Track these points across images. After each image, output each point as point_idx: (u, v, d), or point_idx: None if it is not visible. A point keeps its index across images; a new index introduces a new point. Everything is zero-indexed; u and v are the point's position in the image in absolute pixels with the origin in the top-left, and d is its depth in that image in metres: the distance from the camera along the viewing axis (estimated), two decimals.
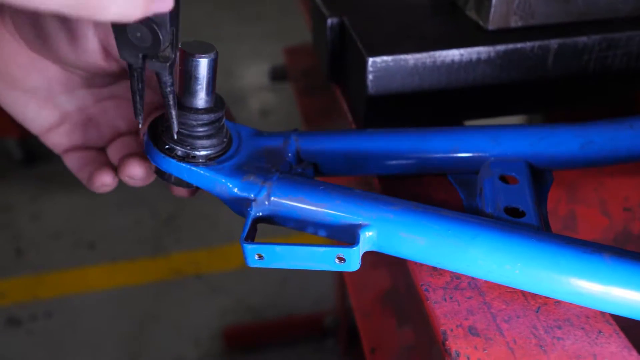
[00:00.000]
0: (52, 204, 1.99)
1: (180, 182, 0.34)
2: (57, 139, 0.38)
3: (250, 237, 0.31)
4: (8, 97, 0.35)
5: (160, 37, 0.26)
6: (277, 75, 0.92)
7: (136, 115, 0.31)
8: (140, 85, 0.30)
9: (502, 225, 0.28)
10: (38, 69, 0.34)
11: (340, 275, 1.37)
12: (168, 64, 0.28)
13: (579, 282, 0.26)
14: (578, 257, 0.26)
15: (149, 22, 0.26)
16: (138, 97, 0.31)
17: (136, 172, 0.34)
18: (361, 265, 0.57)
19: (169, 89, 0.30)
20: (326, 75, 0.49)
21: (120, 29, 0.27)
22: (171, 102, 0.30)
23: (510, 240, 0.27)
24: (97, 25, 0.31)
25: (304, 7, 0.65)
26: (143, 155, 0.35)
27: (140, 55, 0.28)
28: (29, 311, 1.63)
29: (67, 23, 0.31)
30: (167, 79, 0.29)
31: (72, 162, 0.38)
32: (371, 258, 0.64)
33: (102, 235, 1.85)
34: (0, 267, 1.76)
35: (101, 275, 1.73)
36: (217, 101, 0.33)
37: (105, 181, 0.35)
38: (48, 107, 0.36)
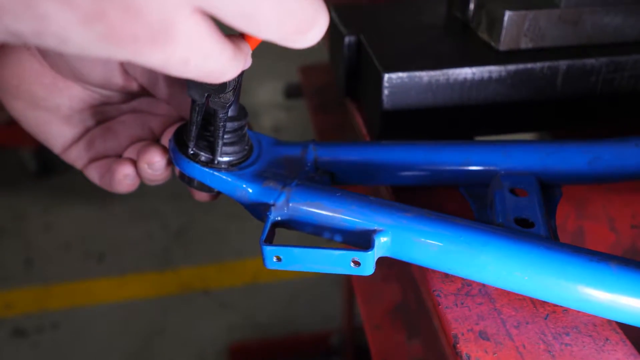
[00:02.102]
0: (64, 215, 2.01)
1: (203, 187, 0.36)
2: (77, 154, 0.39)
3: (269, 240, 0.32)
4: (31, 117, 0.37)
5: (227, 84, 0.30)
6: (292, 92, 0.94)
7: (188, 140, 0.34)
8: (199, 118, 0.33)
9: (513, 234, 0.30)
10: (60, 88, 0.36)
11: (348, 293, 1.38)
12: (227, 105, 0.31)
13: (586, 290, 0.27)
14: (585, 265, 0.27)
15: None
16: (194, 127, 0.33)
17: (155, 158, 0.36)
18: (372, 279, 0.59)
19: (222, 123, 0.33)
20: (342, 91, 0.51)
21: None
22: (220, 134, 0.33)
23: (520, 247, 0.29)
24: None
25: None
26: (162, 146, 0.36)
27: (205, 94, 0.31)
28: (35, 322, 1.64)
29: None
30: (223, 115, 0.32)
31: (93, 173, 0.39)
32: (382, 272, 0.65)
33: (112, 247, 1.87)
34: (9, 277, 1.78)
35: (109, 288, 1.75)
36: (240, 110, 0.35)
37: (126, 171, 0.36)
38: (70, 124, 0.38)
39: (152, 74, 0.35)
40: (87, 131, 0.39)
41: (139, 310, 1.65)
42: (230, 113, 0.34)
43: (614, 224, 0.43)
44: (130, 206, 2.05)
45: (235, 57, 0.24)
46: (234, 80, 0.30)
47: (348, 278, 1.35)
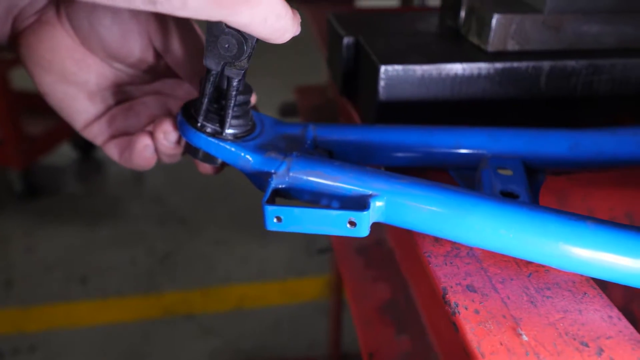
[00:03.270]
0: (48, 238, 2.00)
1: (207, 158, 0.38)
2: (98, 130, 0.41)
3: (271, 202, 0.34)
4: (59, 91, 0.39)
5: (245, 49, 0.32)
6: (287, 110, 0.97)
7: (198, 114, 0.36)
8: (211, 89, 0.35)
9: (498, 198, 0.32)
10: (89, 64, 0.38)
11: (335, 320, 1.37)
12: (243, 72, 0.33)
13: (565, 247, 0.29)
14: (564, 222, 0.30)
15: (240, 35, 0.31)
16: (205, 99, 0.35)
17: (169, 128, 0.38)
18: (363, 279, 0.61)
19: (234, 92, 0.35)
20: (340, 90, 0.54)
21: (213, 40, 0.32)
22: (232, 104, 0.35)
23: (506, 208, 0.31)
24: (149, 23, 0.36)
25: (316, 29, 0.71)
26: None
27: (222, 63, 0.33)
28: (12, 345, 1.60)
29: (119, 21, 0.36)
30: (237, 84, 0.34)
31: (112, 150, 0.41)
32: (372, 273, 0.66)
33: (95, 271, 1.85)
34: None
35: (90, 311, 1.72)
36: (246, 86, 0.37)
37: (146, 142, 0.38)
38: (94, 100, 0.40)
39: (179, 52, 0.37)
40: (109, 109, 0.41)
41: (120, 334, 1.62)
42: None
43: (593, 215, 0.45)
44: (116, 230, 2.04)
45: (295, 19, 0.30)
46: (250, 47, 0.32)
47: (335, 303, 1.35)
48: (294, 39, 0.31)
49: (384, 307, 0.58)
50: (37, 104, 2.38)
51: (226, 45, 0.32)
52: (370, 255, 0.67)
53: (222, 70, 0.34)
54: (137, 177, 2.38)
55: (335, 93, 0.54)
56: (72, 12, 0.36)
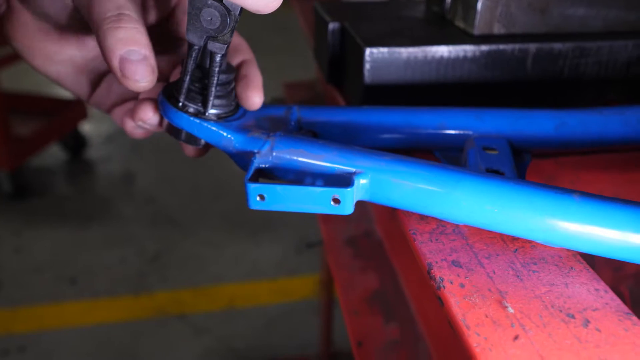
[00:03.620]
0: (37, 238, 1.98)
1: (190, 139, 0.37)
2: (99, 99, 0.41)
3: (254, 180, 0.33)
4: (52, 71, 0.39)
5: (228, 21, 0.31)
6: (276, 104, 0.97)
7: (179, 94, 0.35)
8: (194, 66, 0.34)
9: (484, 174, 0.31)
10: (69, 40, 0.38)
11: (326, 319, 1.37)
12: (226, 46, 0.33)
13: (552, 221, 0.29)
14: (550, 196, 0.29)
15: (224, 8, 0.30)
16: (187, 77, 0.35)
17: (148, 115, 0.37)
18: (351, 269, 0.60)
19: (217, 68, 0.34)
20: (326, 77, 0.53)
21: (196, 13, 0.31)
22: (215, 81, 0.35)
23: (490, 183, 0.30)
24: None
25: (303, 22, 0.71)
26: (154, 102, 0.38)
27: (205, 37, 0.32)
28: (1, 345, 1.58)
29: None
30: (220, 59, 0.34)
31: (117, 116, 0.41)
32: (360, 264, 0.66)
33: (84, 271, 1.83)
34: None
35: (80, 312, 1.70)
36: (229, 65, 0.37)
37: (131, 123, 0.38)
38: (85, 72, 0.40)
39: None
40: (103, 77, 0.40)
41: (110, 335, 1.61)
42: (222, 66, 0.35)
43: None
44: (106, 231, 2.02)
45: None
46: (233, 20, 0.31)
47: (326, 301, 1.34)
48: (283, 37, 0.31)
49: (372, 297, 0.58)
50: (26, 105, 2.37)
51: (209, 18, 0.31)
52: (358, 246, 0.67)
53: (205, 45, 0.33)
54: (128, 177, 2.37)
55: (322, 82, 0.54)
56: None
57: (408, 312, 0.55)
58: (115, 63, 0.32)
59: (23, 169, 2.18)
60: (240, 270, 1.84)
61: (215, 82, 0.35)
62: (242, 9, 0.31)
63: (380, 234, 0.63)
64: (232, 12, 0.31)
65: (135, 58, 0.32)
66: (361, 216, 0.71)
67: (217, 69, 0.34)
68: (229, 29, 0.32)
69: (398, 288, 0.59)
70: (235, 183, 2.30)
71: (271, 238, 1.99)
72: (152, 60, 0.33)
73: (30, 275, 1.82)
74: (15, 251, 1.93)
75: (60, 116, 2.29)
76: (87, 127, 2.72)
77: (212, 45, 0.33)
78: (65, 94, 2.82)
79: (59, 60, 0.38)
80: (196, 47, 0.33)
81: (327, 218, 0.71)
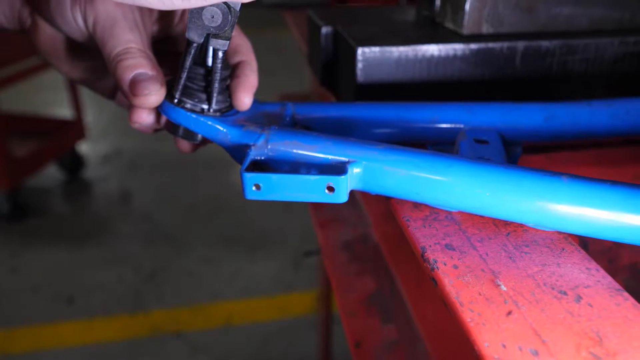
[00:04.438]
0: (34, 259, 1.96)
1: (187, 135, 0.38)
2: (123, 100, 0.43)
3: (250, 170, 0.34)
4: (75, 75, 0.41)
5: (230, 18, 0.32)
6: None
7: (175, 90, 0.36)
8: (191, 63, 0.35)
9: (474, 160, 0.32)
10: (88, 50, 0.40)
11: (324, 335, 1.36)
12: (228, 42, 0.34)
13: (541, 203, 0.29)
14: (539, 178, 0.30)
15: (225, 5, 0.31)
16: (184, 73, 0.35)
17: (141, 117, 0.38)
18: (348, 273, 0.60)
19: (220, 64, 0.35)
20: (320, 80, 0.54)
21: (198, 11, 0.32)
22: (218, 77, 0.35)
23: (481, 167, 0.31)
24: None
25: (297, 32, 0.72)
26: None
27: (205, 34, 0.33)
28: None
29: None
30: (222, 55, 0.34)
31: (122, 100, 0.43)
32: (357, 267, 0.66)
33: (81, 290, 1.82)
34: None
35: (76, 331, 1.68)
36: (225, 62, 0.37)
37: (135, 125, 0.39)
38: (107, 75, 0.41)
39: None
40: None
41: (107, 354, 1.59)
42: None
43: None
44: (103, 249, 2.01)
45: None
46: (234, 16, 0.32)
47: (324, 317, 1.33)
48: (279, 57, 0.31)
49: (369, 299, 0.58)
50: (24, 126, 2.38)
51: (211, 16, 0.32)
52: (355, 250, 0.67)
53: (204, 42, 0.34)
54: (125, 196, 2.37)
55: (316, 90, 0.55)
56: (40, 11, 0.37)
57: (405, 314, 0.55)
58: (125, 87, 0.35)
59: (20, 190, 2.18)
60: (237, 286, 1.83)
61: (218, 77, 0.35)
62: (242, 4, 0.32)
63: (377, 237, 0.64)
64: (233, 8, 0.32)
65: (144, 78, 0.34)
66: (357, 221, 0.72)
67: (220, 65, 0.35)
68: (230, 25, 0.33)
69: (395, 290, 0.59)
70: (231, 200, 2.30)
71: (268, 254, 1.98)
72: (160, 77, 0.35)
73: (27, 295, 1.81)
74: (11, 271, 1.91)
75: (57, 137, 2.30)
76: (84, 147, 2.73)
77: (215, 42, 0.34)
78: (63, 114, 2.84)
79: (82, 67, 0.41)
80: (195, 45, 0.34)
81: (324, 223, 0.71)
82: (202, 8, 0.32)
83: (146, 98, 0.35)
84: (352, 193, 0.64)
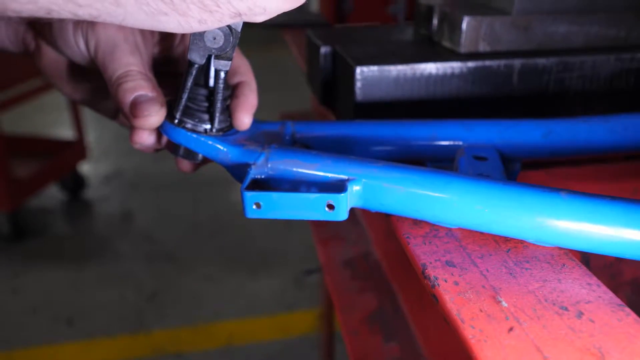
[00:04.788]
0: (35, 279, 1.96)
1: (188, 154, 0.38)
2: (105, 105, 0.43)
3: (250, 189, 0.34)
4: (77, 97, 0.42)
5: (231, 39, 0.33)
6: None
7: (176, 111, 0.36)
8: (192, 84, 0.35)
9: (473, 177, 0.32)
10: (90, 73, 0.41)
11: (326, 354, 1.34)
12: (230, 62, 0.34)
13: (540, 218, 0.30)
14: (538, 194, 0.30)
15: (227, 27, 0.32)
16: (185, 94, 0.36)
17: (141, 138, 0.39)
18: (349, 290, 0.60)
19: (222, 85, 0.35)
20: (320, 100, 0.55)
21: (200, 33, 0.33)
22: (220, 97, 0.36)
23: (480, 183, 0.31)
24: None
25: (296, 51, 0.73)
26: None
27: (207, 55, 0.34)
28: None
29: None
30: (224, 76, 0.35)
31: (124, 121, 0.43)
32: (359, 284, 0.66)
33: (81, 311, 1.81)
34: None
35: (77, 352, 1.67)
36: (225, 82, 0.38)
37: (136, 146, 0.39)
38: (109, 97, 0.42)
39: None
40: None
41: None
42: (212, 83, 0.37)
43: None
44: (103, 269, 2.01)
45: None
46: (236, 37, 0.33)
47: (326, 336, 1.32)
48: (280, 69, 0.32)
49: (371, 317, 0.58)
50: (25, 147, 2.39)
51: (213, 38, 0.33)
52: (357, 268, 0.67)
53: (205, 63, 0.34)
54: (126, 216, 2.37)
55: (316, 108, 0.55)
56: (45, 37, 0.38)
57: (408, 331, 0.55)
58: (126, 109, 0.35)
59: (21, 210, 2.18)
60: (239, 306, 1.82)
61: (220, 98, 0.36)
62: (243, 25, 0.33)
63: (378, 255, 0.64)
64: (234, 30, 0.33)
65: (144, 99, 0.35)
66: (358, 238, 0.72)
67: (222, 86, 0.35)
68: (232, 46, 0.33)
69: (397, 308, 0.59)
70: (232, 218, 2.30)
71: (269, 272, 1.97)
72: (160, 98, 0.36)
73: (27, 317, 1.80)
74: (12, 292, 1.91)
75: (59, 157, 2.31)
76: (86, 168, 2.74)
77: (217, 63, 0.34)
78: (65, 135, 2.85)
79: (84, 88, 0.41)
80: (196, 66, 0.35)
81: (325, 241, 0.71)
82: (203, 30, 0.33)
83: (146, 119, 0.35)
84: (352, 211, 0.64)
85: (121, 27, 0.36)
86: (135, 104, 0.35)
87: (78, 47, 0.36)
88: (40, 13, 0.25)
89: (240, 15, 0.28)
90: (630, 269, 0.45)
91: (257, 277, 1.96)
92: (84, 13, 0.26)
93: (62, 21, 0.36)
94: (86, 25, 0.35)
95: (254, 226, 2.21)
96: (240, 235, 2.17)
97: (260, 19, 0.28)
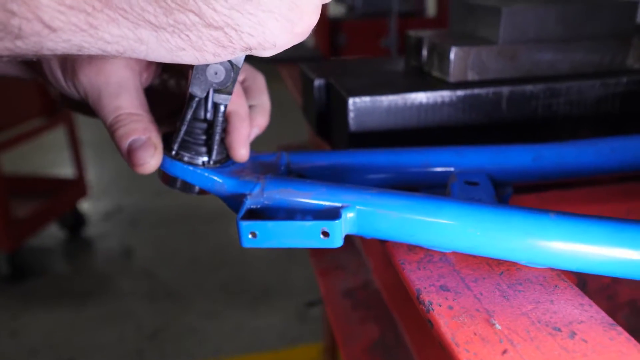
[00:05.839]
0: (34, 321, 1.94)
1: (185, 187, 0.39)
2: None
3: (246, 218, 0.34)
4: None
5: (232, 74, 0.34)
6: None
7: (174, 142, 0.37)
8: (191, 116, 0.36)
9: (465, 201, 0.33)
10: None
11: None
12: (230, 96, 0.35)
13: (530, 239, 0.30)
14: (527, 216, 0.30)
15: (229, 62, 0.33)
16: (184, 126, 0.37)
17: (144, 159, 0.39)
18: (351, 321, 0.61)
19: (221, 118, 0.36)
20: (315, 131, 0.56)
21: (202, 68, 0.34)
22: (219, 130, 0.37)
23: (472, 207, 0.32)
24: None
25: (289, 80, 0.74)
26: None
27: (208, 89, 0.35)
28: None
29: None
30: (224, 109, 0.36)
31: None
32: (360, 314, 0.65)
33: (81, 352, 1.78)
34: None
35: None
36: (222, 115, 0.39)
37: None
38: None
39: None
40: None
41: None
42: (209, 117, 0.38)
43: None
44: (104, 308, 1.99)
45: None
46: (236, 73, 0.34)
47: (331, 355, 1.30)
48: (277, 101, 0.33)
49: (373, 347, 0.57)
50: (25, 186, 2.40)
51: (214, 73, 0.34)
52: (357, 297, 0.67)
53: (206, 96, 0.35)
54: (126, 253, 2.36)
55: (312, 139, 0.56)
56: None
57: (410, 358, 0.55)
58: (125, 156, 0.36)
59: (21, 250, 2.18)
60: (241, 341, 1.80)
61: (219, 130, 0.37)
62: (245, 60, 0.34)
63: (378, 284, 0.64)
64: (235, 65, 0.34)
65: (139, 144, 0.36)
66: (358, 268, 0.72)
67: (221, 119, 0.36)
68: (232, 81, 0.34)
69: (399, 337, 0.59)
70: (233, 253, 2.29)
71: (271, 306, 1.95)
72: (154, 137, 0.36)
73: (26, 359, 1.77)
74: (11, 335, 1.88)
75: (59, 196, 2.32)
76: (85, 205, 2.74)
77: (217, 97, 0.35)
78: (65, 173, 2.87)
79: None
80: (197, 99, 0.36)
81: (325, 271, 0.71)
82: (206, 65, 0.34)
83: (144, 167, 0.36)
84: (351, 240, 0.64)
85: (102, 67, 0.36)
86: (131, 152, 0.36)
87: (71, 91, 0.37)
88: (73, 50, 0.27)
89: (251, 49, 0.29)
90: (626, 290, 0.45)
91: (259, 311, 1.94)
92: (112, 49, 0.28)
93: (53, 70, 0.37)
94: (71, 74, 0.36)
95: (254, 259, 2.20)
96: (241, 269, 2.16)
97: (269, 53, 0.30)
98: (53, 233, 2.47)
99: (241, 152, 0.39)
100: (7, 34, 0.25)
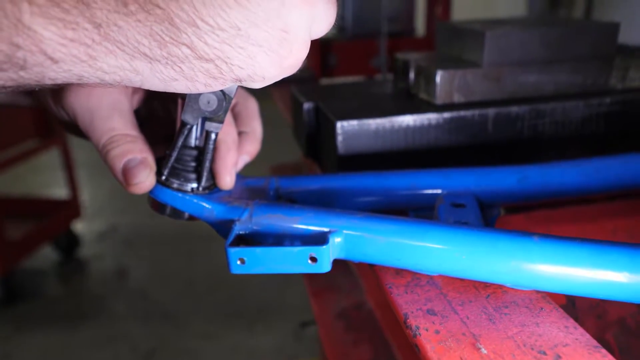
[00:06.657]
0: (26, 344, 1.91)
1: (174, 214, 0.39)
2: None
3: (234, 245, 0.35)
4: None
5: (224, 104, 0.35)
6: None
7: (164, 168, 0.38)
8: (183, 143, 0.37)
9: (450, 224, 0.33)
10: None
11: None
12: (222, 125, 0.36)
13: (515, 263, 0.30)
14: (511, 238, 0.31)
15: (221, 92, 0.34)
16: (175, 153, 0.37)
17: (138, 179, 0.38)
18: (344, 343, 0.61)
19: (212, 146, 0.37)
20: (304, 152, 0.56)
21: (195, 96, 0.35)
22: (209, 157, 0.37)
23: (457, 231, 0.32)
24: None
25: (281, 102, 0.75)
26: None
27: (200, 117, 0.35)
28: None
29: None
30: (215, 137, 0.37)
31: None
32: (354, 336, 0.65)
33: None
34: None
35: None
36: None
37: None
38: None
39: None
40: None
41: None
42: (198, 144, 0.38)
43: None
44: (98, 330, 1.97)
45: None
46: (228, 102, 0.35)
47: None
48: (270, 122, 0.33)
49: None
50: (18, 208, 2.39)
51: (207, 102, 0.35)
52: (350, 319, 0.67)
53: (198, 124, 0.36)
54: (121, 273, 2.34)
55: (302, 158, 0.57)
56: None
57: None
58: (120, 177, 0.37)
59: (14, 273, 2.16)
60: None
61: (209, 158, 0.37)
62: (237, 90, 0.35)
63: (372, 305, 0.64)
64: (227, 95, 0.34)
65: (134, 164, 0.36)
66: (352, 288, 0.72)
67: (212, 147, 0.37)
68: (224, 110, 0.35)
69: (392, 358, 0.59)
70: (229, 274, 2.27)
71: (268, 327, 1.94)
72: (149, 158, 0.37)
73: None
74: (4, 358, 1.86)
75: (53, 217, 2.31)
76: (79, 226, 2.73)
77: (209, 125, 0.36)
78: (59, 194, 2.86)
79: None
80: (189, 126, 0.36)
81: (317, 292, 0.71)
82: (199, 93, 0.34)
83: (139, 186, 0.37)
84: (345, 261, 0.64)
85: (93, 90, 0.37)
86: (126, 171, 0.36)
87: (62, 115, 0.38)
88: (73, 79, 0.28)
89: (241, 81, 0.31)
90: (614, 309, 0.45)
91: (256, 331, 1.93)
92: (109, 79, 0.29)
93: (44, 97, 0.38)
94: (60, 97, 0.37)
95: (250, 280, 2.19)
96: (237, 290, 2.14)
97: (258, 85, 0.31)
98: (47, 254, 2.46)
99: (226, 179, 0.40)
100: (12, 65, 0.26)
